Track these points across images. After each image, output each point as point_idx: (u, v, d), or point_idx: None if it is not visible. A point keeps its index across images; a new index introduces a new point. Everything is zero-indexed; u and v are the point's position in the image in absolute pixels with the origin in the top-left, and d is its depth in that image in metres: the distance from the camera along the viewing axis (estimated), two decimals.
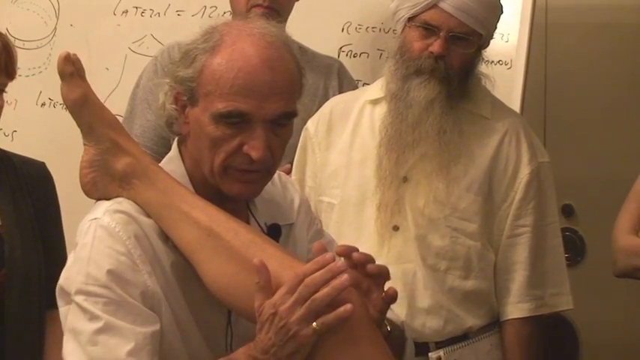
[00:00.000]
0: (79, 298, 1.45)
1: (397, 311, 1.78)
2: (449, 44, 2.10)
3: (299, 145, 2.28)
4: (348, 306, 1.36)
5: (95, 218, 1.51)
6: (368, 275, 1.53)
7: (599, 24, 3.28)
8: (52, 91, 2.88)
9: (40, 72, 2.98)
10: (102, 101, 1.61)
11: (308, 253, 1.67)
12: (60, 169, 2.26)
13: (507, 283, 2.17)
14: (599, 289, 3.04)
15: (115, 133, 1.59)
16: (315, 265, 1.39)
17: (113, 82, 2.89)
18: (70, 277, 1.49)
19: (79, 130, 1.60)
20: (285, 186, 1.74)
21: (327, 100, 2.41)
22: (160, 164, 1.60)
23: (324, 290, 1.36)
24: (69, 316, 1.48)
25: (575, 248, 3.29)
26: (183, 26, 2.69)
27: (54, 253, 2.13)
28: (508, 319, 2.17)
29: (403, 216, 2.13)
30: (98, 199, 1.58)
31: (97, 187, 1.58)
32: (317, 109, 2.36)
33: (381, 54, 2.72)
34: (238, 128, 1.49)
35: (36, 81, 2.97)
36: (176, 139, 1.62)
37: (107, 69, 2.92)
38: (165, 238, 1.52)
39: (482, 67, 2.24)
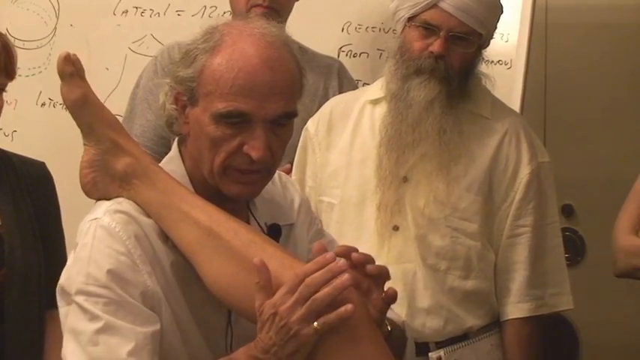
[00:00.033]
0: (80, 299, 1.45)
1: (397, 311, 1.78)
2: (449, 44, 2.10)
3: (299, 145, 2.28)
4: (349, 306, 1.36)
5: (95, 218, 1.51)
6: (367, 276, 1.53)
7: (599, 24, 3.28)
8: (52, 91, 2.87)
9: (40, 72, 2.98)
10: (102, 101, 1.61)
11: (308, 253, 1.67)
12: (60, 169, 2.26)
13: (507, 283, 2.17)
14: (599, 289, 3.04)
15: (115, 133, 1.59)
16: (316, 264, 1.39)
17: (113, 82, 2.89)
18: (70, 277, 1.49)
19: (79, 130, 1.59)
20: (286, 186, 1.74)
21: (327, 100, 2.41)
22: (160, 164, 1.60)
23: (325, 290, 1.36)
24: (69, 316, 1.48)
25: (575, 248, 3.29)
26: (183, 26, 2.69)
27: (54, 253, 2.13)
28: (508, 319, 2.17)
29: (403, 216, 2.13)
30: (98, 199, 1.58)
31: (97, 187, 1.58)
32: (317, 109, 2.36)
33: (381, 54, 2.72)
34: (238, 128, 1.49)
35: (36, 81, 2.97)
36: (176, 139, 1.62)
37: (107, 69, 2.92)
38: (166, 238, 1.52)
39: (483, 67, 2.24)
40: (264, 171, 1.54)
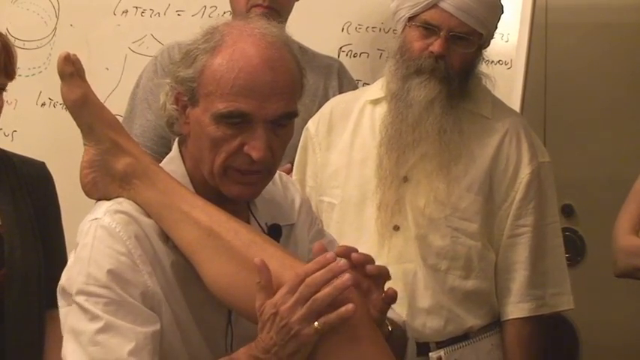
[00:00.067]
0: (80, 299, 1.45)
1: (397, 311, 1.78)
2: (449, 44, 2.10)
3: (299, 145, 2.28)
4: (350, 305, 1.36)
5: (95, 218, 1.51)
6: (367, 276, 1.52)
7: (599, 24, 3.28)
8: (52, 91, 2.87)
9: (40, 72, 2.98)
10: (102, 101, 1.61)
11: (309, 253, 1.67)
12: (60, 169, 2.26)
13: (508, 282, 2.17)
14: (599, 289, 3.03)
15: (115, 133, 1.59)
16: (316, 264, 1.39)
17: (113, 82, 2.89)
18: (71, 277, 1.49)
19: (79, 130, 1.59)
20: (286, 186, 1.74)
21: (328, 100, 2.41)
22: (160, 164, 1.60)
23: (326, 290, 1.36)
24: (69, 316, 1.48)
25: (575, 248, 3.29)
26: (183, 26, 2.69)
27: (54, 253, 2.13)
28: (509, 319, 2.17)
29: (403, 216, 2.13)
30: (98, 200, 1.58)
31: (97, 188, 1.58)
32: (317, 109, 2.36)
33: (381, 54, 2.72)
34: (239, 128, 1.49)
35: (36, 81, 2.97)
36: (177, 139, 1.62)
37: (107, 69, 2.92)
38: (166, 238, 1.52)
39: (483, 67, 2.24)
40: (264, 171, 1.54)
